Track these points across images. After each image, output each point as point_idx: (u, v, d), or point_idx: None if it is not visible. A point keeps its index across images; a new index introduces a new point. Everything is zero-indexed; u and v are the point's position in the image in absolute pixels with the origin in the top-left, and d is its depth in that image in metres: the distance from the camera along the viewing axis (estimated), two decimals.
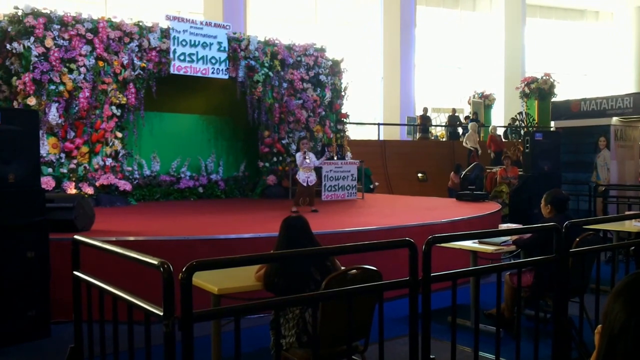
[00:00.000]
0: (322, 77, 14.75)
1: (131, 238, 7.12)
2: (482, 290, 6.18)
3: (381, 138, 23.06)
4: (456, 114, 26.34)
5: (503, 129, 25.48)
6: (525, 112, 22.64)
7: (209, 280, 4.45)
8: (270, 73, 13.72)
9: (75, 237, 4.09)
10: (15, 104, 10.81)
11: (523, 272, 5.20)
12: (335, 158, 13.98)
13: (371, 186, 16.90)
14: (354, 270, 3.96)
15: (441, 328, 5.42)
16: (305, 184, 11.00)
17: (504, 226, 8.20)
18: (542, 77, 24.18)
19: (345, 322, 3.53)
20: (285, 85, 14.07)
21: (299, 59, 14.35)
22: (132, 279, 5.04)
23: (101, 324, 3.63)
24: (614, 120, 14.01)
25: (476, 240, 6.50)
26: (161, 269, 2.90)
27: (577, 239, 5.37)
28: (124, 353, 3.40)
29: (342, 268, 4.14)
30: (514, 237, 6.35)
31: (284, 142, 14.23)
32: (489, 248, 6.34)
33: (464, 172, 13.66)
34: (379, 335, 3.64)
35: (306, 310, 4.16)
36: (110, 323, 3.47)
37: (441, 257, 6.34)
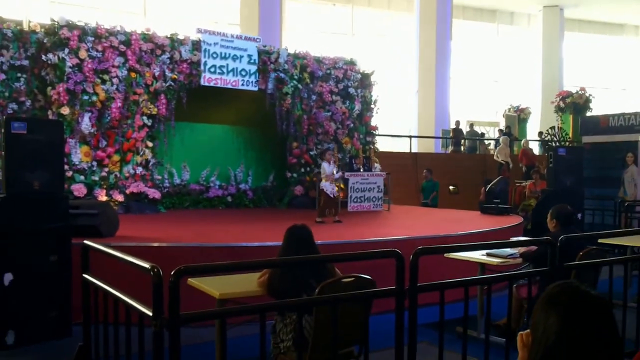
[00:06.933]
0: (351, 90, 14.92)
1: (147, 244, 7.39)
2: (494, 301, 6.31)
3: (415, 150, 23.08)
4: (474, 129, 26.22)
5: (537, 143, 25.36)
6: (559, 127, 22.53)
7: (213, 285, 4.58)
8: (300, 85, 13.96)
9: (85, 242, 4.33)
10: (49, 113, 11.22)
11: (530, 284, 5.28)
12: (361, 170, 14.12)
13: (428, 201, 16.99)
14: (349, 279, 4.12)
15: (450, 337, 5.51)
16: (332, 195, 11.16)
17: (513, 239, 8.25)
18: (577, 92, 24.07)
19: (341, 328, 3.68)
20: (314, 97, 14.28)
21: (328, 71, 14.55)
22: (143, 283, 5.23)
23: (105, 325, 3.86)
24: None
25: (484, 252, 6.60)
26: (151, 273, 3.12)
27: (581, 253, 5.44)
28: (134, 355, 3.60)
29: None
30: (522, 249, 6.43)
31: (312, 153, 14.43)
32: (495, 260, 6.42)
33: (489, 186, 13.72)
34: (365, 343, 3.80)
35: (303, 315, 4.32)
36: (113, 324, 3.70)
37: (453, 269, 6.49)
